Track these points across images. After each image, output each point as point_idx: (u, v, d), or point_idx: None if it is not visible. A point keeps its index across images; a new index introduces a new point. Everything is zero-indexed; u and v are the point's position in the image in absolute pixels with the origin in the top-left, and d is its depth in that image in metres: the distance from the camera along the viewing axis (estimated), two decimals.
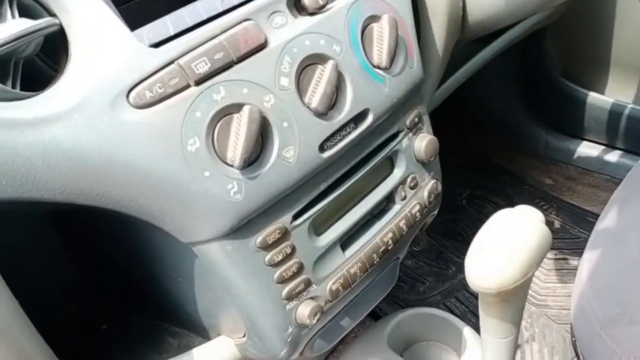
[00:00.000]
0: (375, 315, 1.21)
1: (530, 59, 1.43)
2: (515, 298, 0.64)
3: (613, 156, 1.41)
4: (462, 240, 1.48)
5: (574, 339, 0.82)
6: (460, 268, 1.40)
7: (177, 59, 0.52)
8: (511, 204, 1.59)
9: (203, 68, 0.53)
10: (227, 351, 0.69)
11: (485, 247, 0.64)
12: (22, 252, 0.71)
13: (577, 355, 0.82)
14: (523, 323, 1.37)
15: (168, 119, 0.51)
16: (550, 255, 1.49)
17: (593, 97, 1.36)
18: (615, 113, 1.33)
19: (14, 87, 0.49)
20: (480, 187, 1.61)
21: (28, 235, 0.77)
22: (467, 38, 0.87)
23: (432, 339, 1.09)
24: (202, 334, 0.75)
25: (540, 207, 1.57)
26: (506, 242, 0.63)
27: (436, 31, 0.79)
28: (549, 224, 1.69)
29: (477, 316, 0.70)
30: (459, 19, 0.82)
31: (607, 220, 0.85)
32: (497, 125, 1.61)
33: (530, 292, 1.45)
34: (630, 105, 1.30)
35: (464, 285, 1.36)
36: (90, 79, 0.49)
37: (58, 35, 0.51)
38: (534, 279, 1.46)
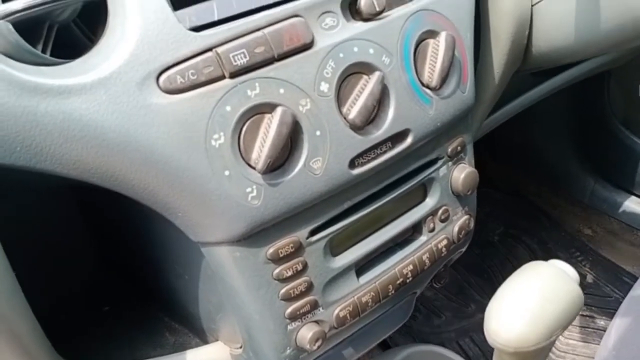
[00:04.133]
0: (384, 343, 1.19)
1: (589, 101, 1.40)
2: (534, 359, 0.62)
3: None
4: (487, 278, 1.45)
5: None
6: (481, 308, 1.37)
7: (215, 46, 0.52)
8: (545, 249, 1.57)
9: (241, 60, 0.52)
10: (221, 359, 0.68)
11: (510, 299, 0.62)
12: (39, 221, 0.72)
13: None
14: None
15: (196, 109, 0.51)
16: None
17: None
18: None
19: (44, 51, 0.49)
20: (514, 226, 1.58)
21: (48, 204, 0.77)
22: (527, 69, 0.85)
23: None
24: (200, 335, 0.74)
25: (574, 258, 1.54)
26: (533, 299, 0.61)
27: (496, 56, 0.77)
28: (581, 277, 1.65)
29: None
30: (523, 47, 0.79)
31: None
32: (542, 165, 1.58)
33: None
34: None
35: (481, 326, 1.33)
36: (122, 54, 0.49)
37: (100, 4, 0.50)
38: None
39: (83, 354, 0.63)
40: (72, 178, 0.51)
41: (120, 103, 0.48)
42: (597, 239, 1.54)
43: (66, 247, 0.83)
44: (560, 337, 1.38)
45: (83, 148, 0.49)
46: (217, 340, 0.71)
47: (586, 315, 1.39)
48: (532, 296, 0.60)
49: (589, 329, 1.37)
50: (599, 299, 1.41)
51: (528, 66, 0.84)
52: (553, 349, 1.34)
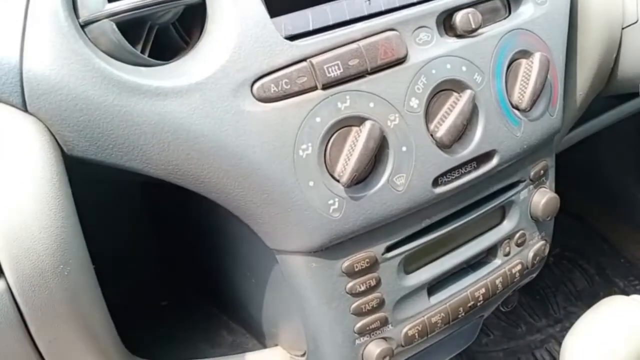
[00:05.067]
0: None
1: None
2: None
3: None
4: (539, 300, 1.42)
5: None
6: (531, 329, 1.35)
7: (310, 57, 0.52)
8: (602, 274, 1.53)
9: (334, 72, 0.52)
10: None
11: (589, 336, 0.60)
12: (108, 212, 0.73)
13: None
14: None
15: (287, 118, 0.51)
16: None
17: None
18: None
19: (142, 52, 0.50)
20: (572, 248, 1.54)
21: (119, 199, 0.79)
22: (609, 93, 0.83)
23: None
24: (259, 338, 0.75)
25: (633, 286, 1.49)
26: (612, 337, 0.59)
27: (580, 79, 0.75)
28: None
29: None
30: (608, 71, 0.78)
31: None
32: (605, 189, 1.54)
33: None
34: None
35: (531, 349, 1.31)
36: (219, 59, 0.49)
37: (198, 8, 0.51)
38: None
39: (141, 348, 0.64)
40: (157, 177, 0.52)
41: (214, 108, 0.49)
42: None
43: (130, 241, 0.84)
44: None
45: (174, 150, 0.50)
46: (276, 345, 0.72)
47: None
48: (615, 335, 0.58)
49: None
50: None
51: (610, 90, 0.82)
52: None
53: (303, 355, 0.66)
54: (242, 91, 0.50)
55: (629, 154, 1.47)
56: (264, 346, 0.74)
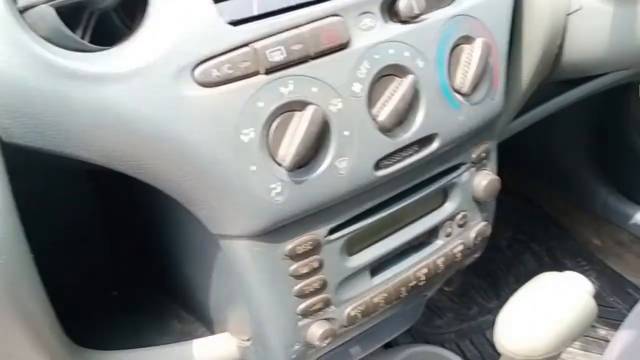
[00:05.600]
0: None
1: (609, 113, 1.40)
2: None
3: None
4: (491, 282, 1.47)
5: None
6: (483, 310, 1.39)
7: (253, 42, 0.52)
8: (552, 256, 1.58)
9: (278, 57, 0.53)
10: (228, 350, 0.69)
11: (524, 308, 0.63)
12: (54, 202, 0.72)
13: None
14: None
15: (229, 103, 0.51)
16: None
17: None
18: None
19: (83, 37, 0.50)
20: (524, 232, 1.60)
21: (66, 188, 0.78)
22: (555, 78, 0.85)
23: None
24: (208, 325, 0.76)
25: (581, 267, 1.55)
26: (548, 309, 0.62)
27: (526, 65, 0.78)
28: None
29: None
30: (554, 56, 0.80)
31: None
32: (556, 174, 1.59)
33: None
34: None
35: (482, 329, 1.35)
36: (160, 44, 0.49)
37: None
38: None
39: (90, 338, 0.64)
40: (97, 164, 0.52)
41: (155, 93, 0.49)
42: (605, 249, 1.55)
43: (78, 231, 0.83)
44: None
45: (114, 136, 0.50)
46: (224, 331, 0.73)
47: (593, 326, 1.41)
48: (545, 306, 0.61)
49: (590, 338, 1.39)
50: (602, 309, 1.43)
51: (557, 75, 0.84)
52: None
53: (249, 340, 0.68)
54: (184, 76, 0.50)
55: (579, 139, 1.52)
56: (213, 333, 0.75)
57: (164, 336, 0.75)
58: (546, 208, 1.63)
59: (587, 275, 1.61)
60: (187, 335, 0.74)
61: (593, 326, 1.41)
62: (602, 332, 1.39)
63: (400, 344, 1.11)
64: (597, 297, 1.55)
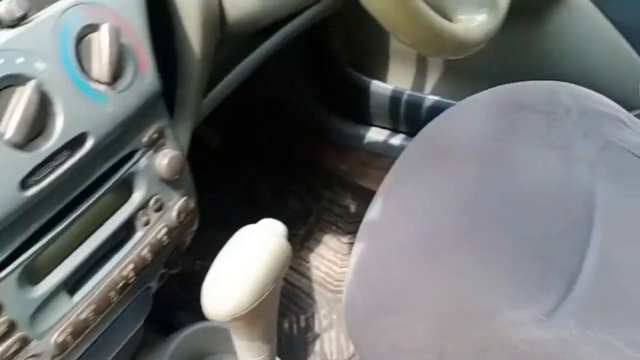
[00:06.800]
0: (170, 327, 1.20)
1: (317, 49, 1.49)
2: (257, 318, 0.66)
3: (397, 140, 1.54)
4: None
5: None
6: None
7: None
8: (312, 191, 1.67)
9: None
10: None
11: (221, 269, 0.65)
12: None
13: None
14: (322, 311, 1.46)
15: None
16: (345, 239, 1.59)
17: (376, 85, 1.46)
18: (395, 99, 1.44)
19: None
20: (282, 179, 1.68)
21: None
22: (231, 38, 0.86)
23: (223, 350, 1.11)
24: None
25: (337, 192, 1.67)
26: (241, 263, 0.65)
27: (191, 34, 0.77)
28: (344, 209, 1.79)
29: None
30: (217, 19, 0.80)
31: (373, 211, 0.91)
32: (293, 117, 1.67)
33: (326, 278, 1.55)
34: (407, 92, 1.42)
35: None
36: None
37: None
38: (330, 265, 1.55)
39: None
40: None
41: None
42: (352, 171, 1.68)
43: None
44: (336, 267, 1.52)
45: None
46: None
47: (353, 243, 1.53)
48: (239, 261, 0.64)
49: None
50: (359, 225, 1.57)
51: (229, 35, 0.85)
52: (331, 280, 1.47)
53: None
54: None
55: (302, 78, 1.61)
56: None
57: None
58: (295, 151, 1.72)
59: (344, 197, 1.75)
60: None
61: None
62: None
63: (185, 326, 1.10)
64: (357, 214, 1.69)
